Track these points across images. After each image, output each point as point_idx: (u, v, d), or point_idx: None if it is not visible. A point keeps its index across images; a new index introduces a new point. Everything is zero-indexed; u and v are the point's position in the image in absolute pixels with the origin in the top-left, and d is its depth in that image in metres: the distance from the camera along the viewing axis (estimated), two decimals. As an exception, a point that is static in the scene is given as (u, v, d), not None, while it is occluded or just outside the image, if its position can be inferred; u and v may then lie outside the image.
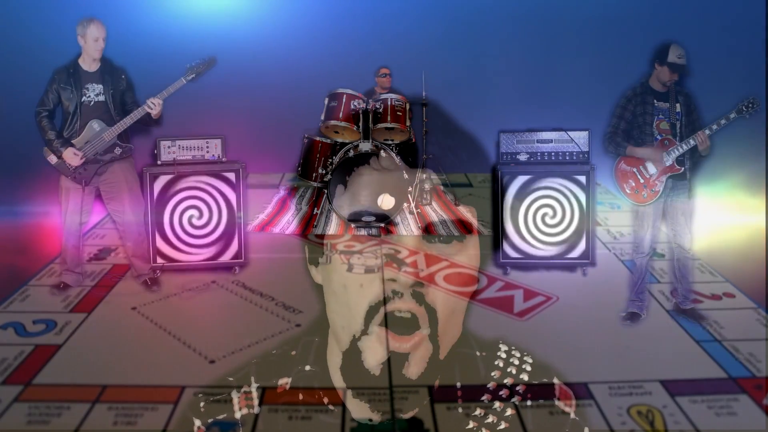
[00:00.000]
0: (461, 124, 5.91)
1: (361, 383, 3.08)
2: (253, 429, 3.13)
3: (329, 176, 4.93)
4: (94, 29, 4.24)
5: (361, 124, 4.99)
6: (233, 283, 4.60)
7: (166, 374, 3.56)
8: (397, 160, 4.92)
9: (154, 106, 4.30)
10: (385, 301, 2.75)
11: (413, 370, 2.82)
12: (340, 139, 5.13)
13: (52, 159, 4.31)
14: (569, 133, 4.70)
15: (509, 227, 4.69)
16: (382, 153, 4.84)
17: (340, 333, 2.97)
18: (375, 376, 2.94)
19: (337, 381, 3.11)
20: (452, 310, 2.91)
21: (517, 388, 3.27)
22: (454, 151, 5.80)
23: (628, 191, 4.28)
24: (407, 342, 2.77)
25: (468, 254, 2.95)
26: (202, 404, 3.25)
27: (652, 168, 4.21)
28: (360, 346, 2.84)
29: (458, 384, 3.20)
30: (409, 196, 4.87)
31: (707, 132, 4.10)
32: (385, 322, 2.79)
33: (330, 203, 4.89)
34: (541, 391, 3.34)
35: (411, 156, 5.24)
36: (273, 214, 5.61)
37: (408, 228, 4.82)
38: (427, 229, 4.06)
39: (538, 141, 4.73)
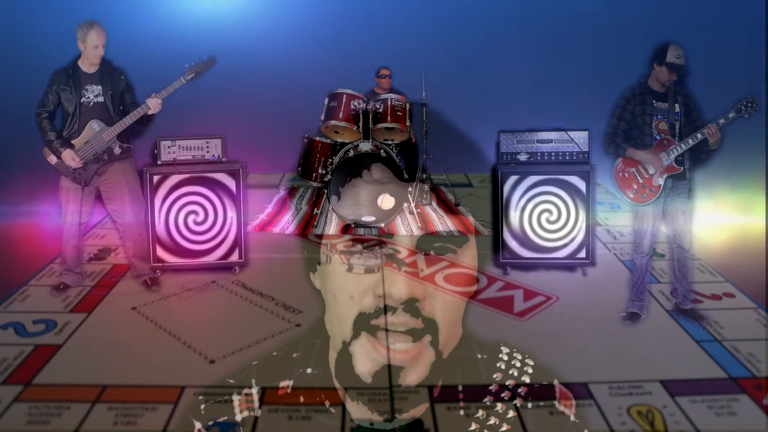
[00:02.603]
0: (462, 125, 5.92)
1: (361, 384, 3.09)
2: (253, 429, 3.13)
3: (329, 176, 4.93)
4: (93, 36, 4.22)
5: (361, 124, 5.00)
6: (233, 283, 4.60)
7: (166, 374, 3.56)
8: (397, 159, 4.92)
9: (154, 105, 4.30)
10: (377, 314, 2.74)
11: (412, 378, 2.81)
12: (340, 139, 5.14)
13: (52, 159, 4.31)
14: (569, 133, 4.71)
15: (509, 227, 4.69)
16: (381, 156, 4.84)
17: (333, 337, 2.98)
18: (374, 379, 2.94)
19: (338, 381, 3.11)
20: (453, 321, 2.89)
21: (519, 390, 3.27)
22: (456, 152, 5.80)
23: (627, 191, 4.28)
24: (407, 355, 2.76)
25: (467, 255, 2.95)
26: (202, 406, 3.25)
27: (651, 168, 4.21)
28: (351, 351, 2.84)
29: (460, 386, 3.20)
30: (408, 196, 4.87)
31: (706, 131, 4.09)
32: (379, 330, 2.78)
33: (330, 203, 4.89)
34: (541, 392, 3.34)
35: (411, 156, 5.24)
36: (273, 214, 5.61)
37: (408, 228, 4.82)
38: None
39: (538, 141, 4.73)
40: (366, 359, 2.76)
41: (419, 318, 2.76)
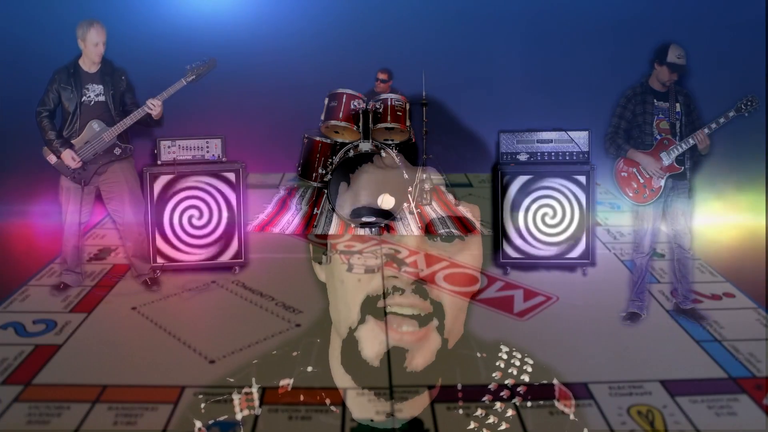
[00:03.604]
0: (462, 124, 5.91)
1: (361, 383, 3.08)
2: (253, 429, 3.13)
3: (329, 176, 4.93)
4: (93, 34, 4.22)
5: (361, 124, 5.00)
6: (233, 283, 4.60)
7: (166, 374, 3.56)
8: (398, 159, 4.92)
9: (153, 106, 4.30)
10: (384, 295, 2.74)
11: (418, 361, 2.81)
12: (340, 139, 5.13)
13: (52, 159, 4.31)
14: (569, 133, 4.71)
15: (509, 227, 4.69)
16: (383, 152, 4.84)
17: (339, 326, 2.98)
18: (375, 377, 2.94)
19: (338, 381, 3.11)
20: (460, 308, 2.90)
21: (518, 389, 3.27)
22: (457, 151, 5.79)
23: (628, 191, 4.28)
24: (414, 336, 2.75)
25: (470, 254, 2.95)
26: (202, 405, 3.25)
27: (651, 170, 4.21)
28: (357, 336, 2.84)
29: (459, 386, 3.20)
30: (409, 196, 4.87)
31: (706, 131, 4.10)
32: (384, 315, 2.78)
33: (330, 203, 4.89)
34: (541, 392, 3.34)
35: (411, 156, 5.24)
36: (273, 214, 5.61)
37: (408, 228, 4.82)
38: (428, 229, 4.06)
39: (538, 141, 4.74)
40: (374, 342, 2.76)
41: (427, 300, 2.77)
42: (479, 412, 3.13)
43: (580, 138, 4.70)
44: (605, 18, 5.99)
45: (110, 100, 4.32)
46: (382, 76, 5.76)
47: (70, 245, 4.45)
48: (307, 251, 3.04)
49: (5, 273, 4.67)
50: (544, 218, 4.69)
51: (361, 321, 2.80)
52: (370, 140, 5.00)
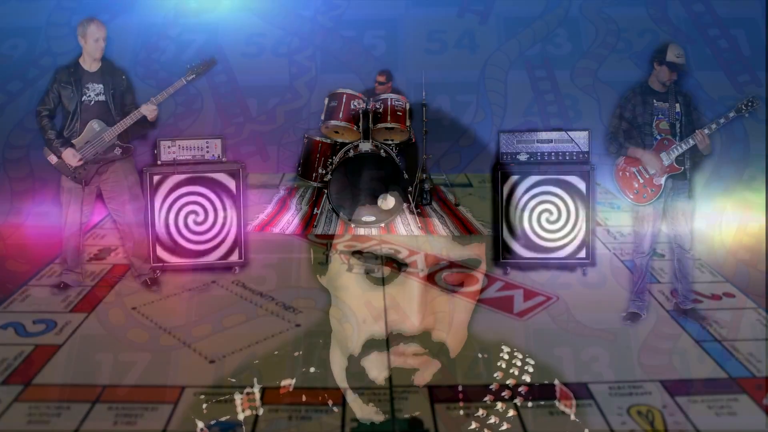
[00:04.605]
0: (462, 124, 5.91)
1: (361, 383, 3.08)
2: (253, 429, 3.13)
3: (329, 176, 4.93)
4: (94, 29, 4.24)
5: (361, 124, 4.99)
6: (233, 283, 4.59)
7: (166, 374, 3.56)
8: (398, 160, 4.92)
9: (149, 111, 4.30)
10: (387, 345, 2.74)
11: (423, 377, 2.81)
12: (340, 139, 5.13)
13: (52, 159, 4.31)
14: (569, 133, 4.70)
15: (509, 227, 4.69)
16: (380, 156, 4.84)
17: (341, 348, 2.97)
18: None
19: (338, 381, 3.10)
20: (461, 340, 2.89)
21: (520, 389, 3.26)
22: (457, 151, 5.79)
23: (628, 191, 4.28)
24: (417, 360, 2.75)
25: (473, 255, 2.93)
26: (204, 405, 3.25)
27: (652, 168, 4.21)
28: (362, 364, 2.84)
29: (459, 387, 3.20)
30: (409, 196, 4.87)
31: (706, 131, 4.10)
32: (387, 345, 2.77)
33: (330, 203, 4.89)
34: (541, 392, 3.34)
35: (411, 156, 5.24)
36: (273, 214, 5.61)
37: (408, 228, 4.82)
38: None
39: (538, 141, 4.73)
40: (380, 369, 2.76)
41: (428, 346, 2.77)
42: (480, 412, 3.13)
43: (580, 138, 4.70)
44: (605, 17, 5.99)
45: (110, 99, 4.32)
46: (380, 78, 5.75)
47: (70, 245, 4.44)
48: (308, 253, 3.03)
49: (5, 273, 4.67)
50: (545, 218, 4.68)
51: (364, 355, 2.80)
52: (370, 140, 5.00)
